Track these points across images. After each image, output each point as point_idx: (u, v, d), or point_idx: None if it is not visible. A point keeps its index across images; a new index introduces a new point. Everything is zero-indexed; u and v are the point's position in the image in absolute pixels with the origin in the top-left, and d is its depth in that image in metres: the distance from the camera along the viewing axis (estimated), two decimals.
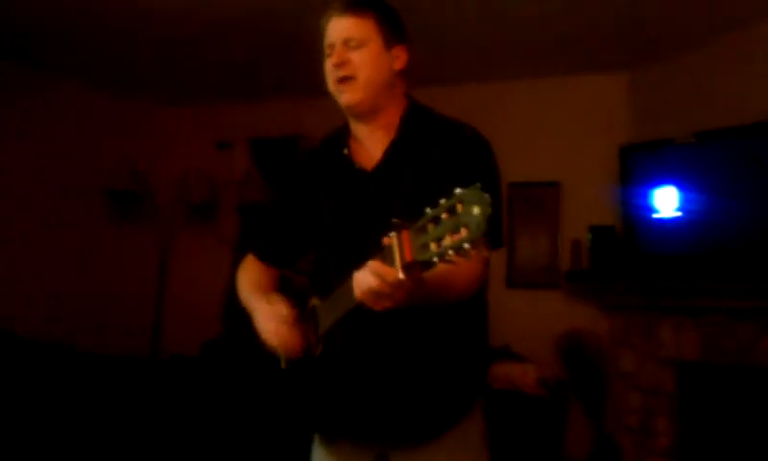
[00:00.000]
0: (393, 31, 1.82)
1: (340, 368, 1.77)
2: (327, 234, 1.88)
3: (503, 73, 5.02)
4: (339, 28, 1.79)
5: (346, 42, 1.77)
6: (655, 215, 4.21)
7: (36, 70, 5.21)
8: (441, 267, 1.53)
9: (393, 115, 1.85)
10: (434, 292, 1.50)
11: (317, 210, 1.91)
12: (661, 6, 3.89)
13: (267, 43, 4.56)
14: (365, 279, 1.39)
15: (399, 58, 1.83)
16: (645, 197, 4.28)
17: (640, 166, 4.37)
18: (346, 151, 1.87)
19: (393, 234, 1.29)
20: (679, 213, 4.09)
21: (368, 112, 1.82)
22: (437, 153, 1.76)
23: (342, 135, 1.91)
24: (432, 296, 1.50)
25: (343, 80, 1.78)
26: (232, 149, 5.86)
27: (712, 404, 4.03)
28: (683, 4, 3.85)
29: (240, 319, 1.93)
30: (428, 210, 1.22)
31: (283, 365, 1.86)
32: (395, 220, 1.29)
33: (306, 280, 1.91)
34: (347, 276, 1.51)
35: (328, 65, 1.81)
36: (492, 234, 1.69)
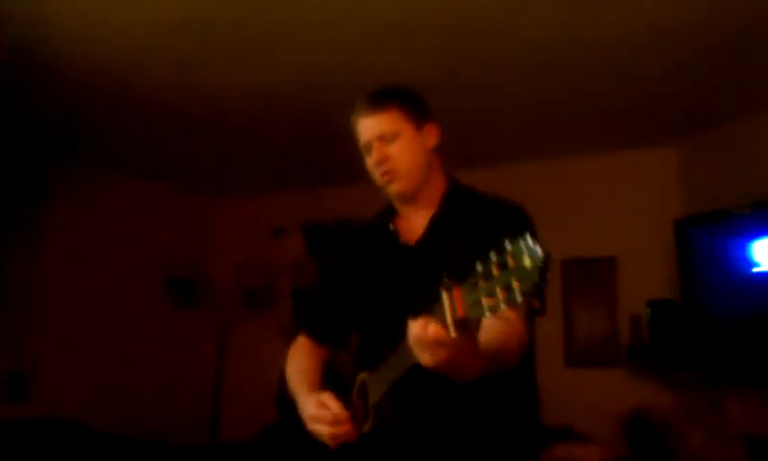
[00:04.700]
0: (419, 113, 1.91)
1: (388, 445, 1.75)
2: (374, 308, 1.92)
3: (554, 150, 5.06)
4: (370, 127, 1.88)
5: (381, 138, 1.87)
6: (755, 269, 4.03)
7: (97, 167, 5.42)
8: (494, 338, 1.55)
9: (434, 192, 1.94)
10: (489, 361, 1.47)
11: (363, 286, 1.97)
12: (704, 80, 3.91)
13: (316, 133, 4.68)
14: (417, 329, 1.34)
15: (431, 135, 1.92)
16: (704, 267, 4.22)
17: (697, 238, 4.32)
18: (391, 226, 1.97)
19: (444, 292, 1.28)
20: None
21: (413, 195, 1.92)
22: (478, 225, 1.81)
23: (388, 214, 2.01)
24: (488, 368, 1.47)
25: (386, 173, 1.88)
26: (286, 235, 5.95)
27: None
28: (724, 77, 3.87)
29: (293, 403, 1.93)
30: (479, 266, 1.19)
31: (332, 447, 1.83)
32: (446, 278, 1.28)
33: (350, 358, 1.92)
34: (396, 346, 1.51)
35: (370, 163, 1.91)
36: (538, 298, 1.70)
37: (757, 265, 4.01)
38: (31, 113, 4.53)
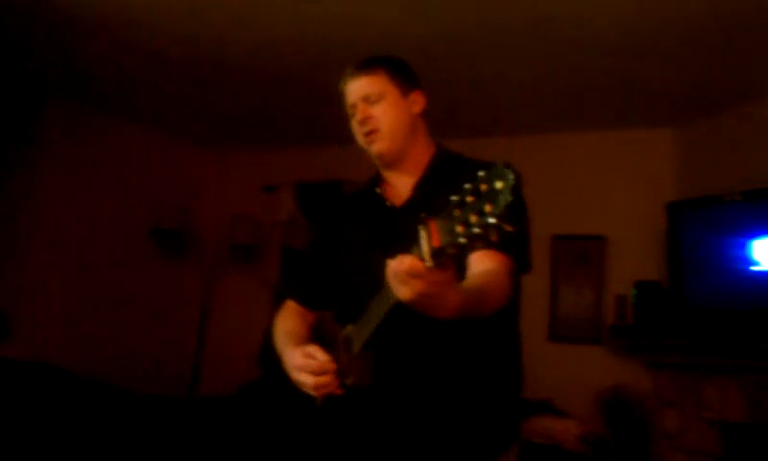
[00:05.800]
0: (405, 79, 1.98)
1: (371, 401, 1.80)
2: (359, 267, 1.96)
3: (550, 125, 5.04)
4: (356, 88, 1.95)
5: (365, 99, 1.94)
6: (753, 268, 3.99)
7: (88, 110, 5.35)
8: (475, 280, 1.57)
9: (420, 158, 1.98)
10: (470, 300, 1.47)
11: (350, 247, 2.02)
12: (704, 64, 3.90)
13: (314, 93, 4.63)
14: (394, 263, 1.35)
15: (417, 102, 1.98)
16: (693, 252, 4.23)
17: (688, 223, 4.32)
18: (378, 190, 2.03)
19: (421, 227, 1.29)
20: None
21: (396, 158, 1.97)
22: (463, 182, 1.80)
23: (375, 180, 2.07)
24: (467, 305, 1.45)
25: (369, 133, 1.93)
26: (278, 192, 5.93)
27: None
28: (725, 63, 3.86)
29: (277, 361, 1.96)
30: (453, 197, 1.21)
31: (318, 403, 1.86)
32: (423, 214, 1.29)
33: (331, 316, 1.98)
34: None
35: (354, 124, 1.98)
36: (519, 253, 1.75)
37: (756, 263, 3.99)
38: (27, 51, 4.47)
